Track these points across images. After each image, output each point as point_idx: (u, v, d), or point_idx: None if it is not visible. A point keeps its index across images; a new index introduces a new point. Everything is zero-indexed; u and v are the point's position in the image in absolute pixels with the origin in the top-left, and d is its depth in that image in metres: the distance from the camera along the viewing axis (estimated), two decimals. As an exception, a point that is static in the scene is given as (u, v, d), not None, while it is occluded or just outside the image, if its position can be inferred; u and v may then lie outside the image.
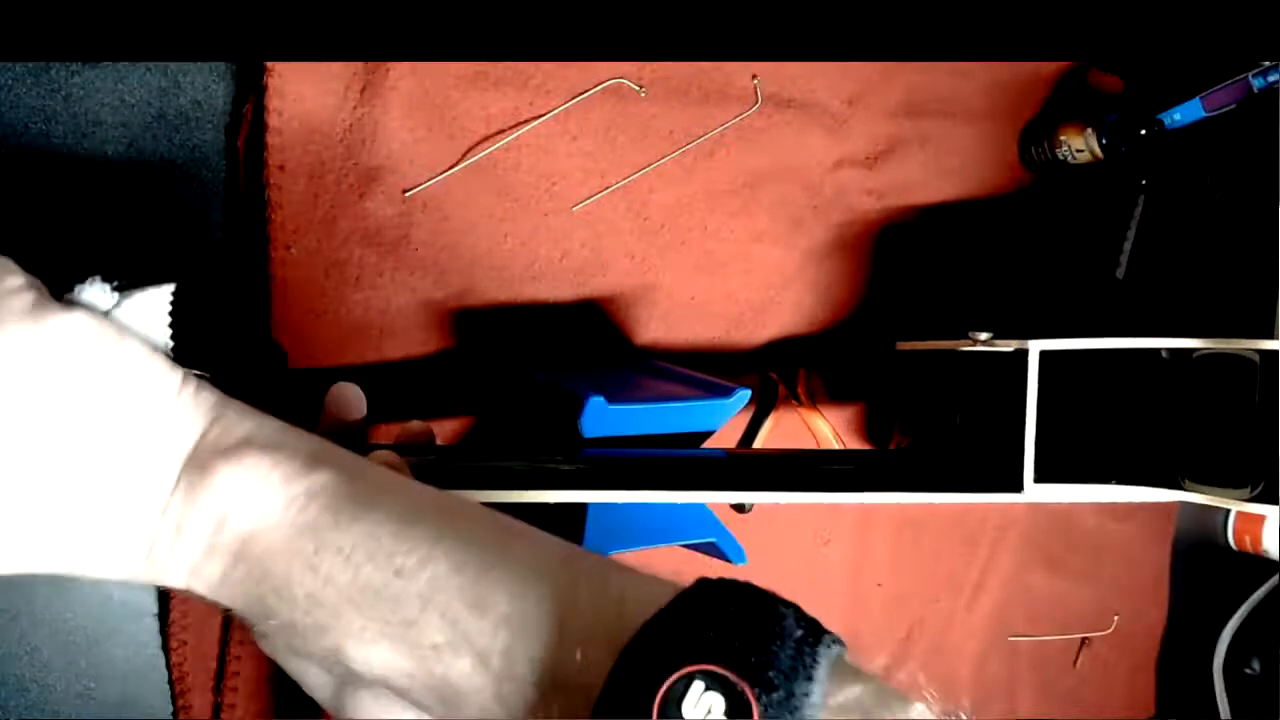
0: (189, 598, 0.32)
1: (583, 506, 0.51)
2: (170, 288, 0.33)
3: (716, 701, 0.24)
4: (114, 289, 0.32)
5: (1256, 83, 0.63)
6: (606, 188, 0.60)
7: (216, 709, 0.54)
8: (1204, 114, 0.66)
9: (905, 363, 0.66)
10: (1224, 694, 0.88)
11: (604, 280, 0.61)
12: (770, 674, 0.24)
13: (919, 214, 0.71)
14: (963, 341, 0.60)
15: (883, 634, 0.76)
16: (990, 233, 0.73)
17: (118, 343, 0.31)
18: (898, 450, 0.66)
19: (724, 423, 0.55)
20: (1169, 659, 0.90)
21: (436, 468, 0.43)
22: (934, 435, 0.63)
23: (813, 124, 0.65)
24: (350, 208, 0.54)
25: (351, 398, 0.42)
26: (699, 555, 0.59)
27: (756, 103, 0.63)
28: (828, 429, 0.70)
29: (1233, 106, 0.65)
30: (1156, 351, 0.56)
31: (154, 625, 0.53)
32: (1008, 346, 0.57)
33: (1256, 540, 0.88)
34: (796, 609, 0.27)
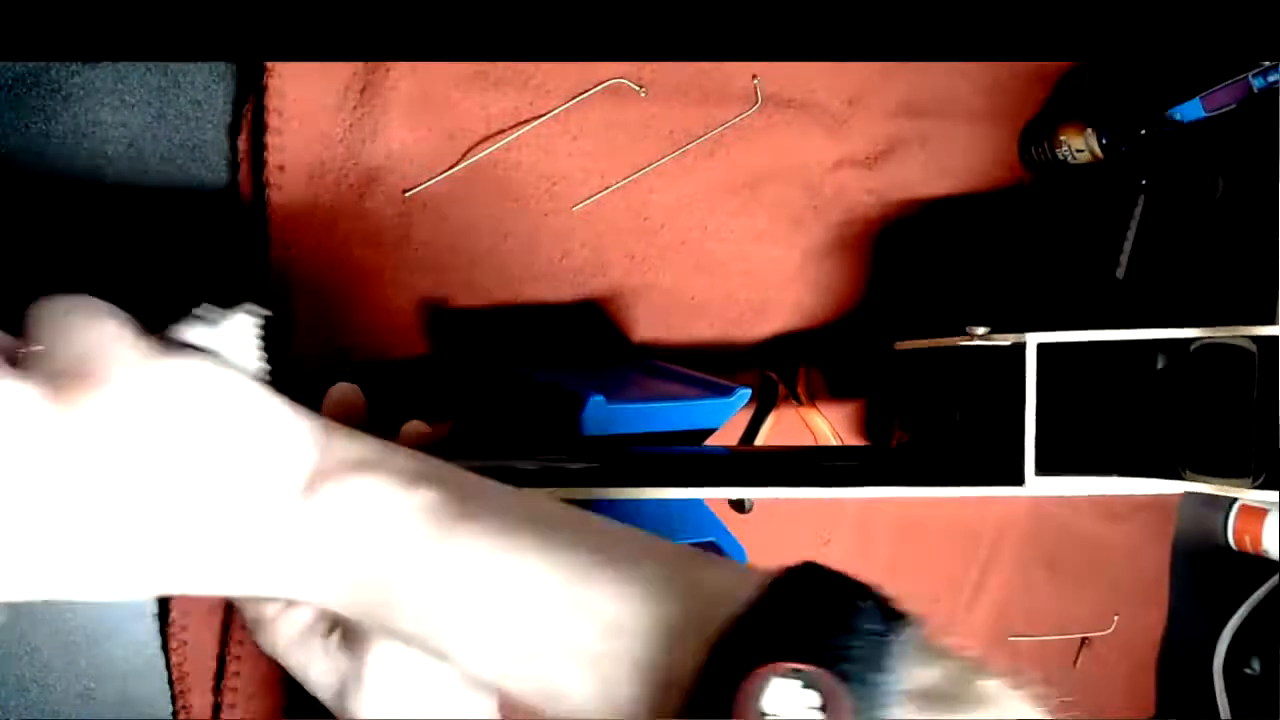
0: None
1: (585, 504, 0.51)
2: (260, 314, 0.33)
3: (803, 696, 0.24)
4: (205, 318, 0.33)
5: (1256, 83, 0.63)
6: (606, 188, 0.60)
7: (216, 709, 0.54)
8: (1204, 114, 0.66)
9: (904, 361, 0.66)
10: (1224, 694, 0.88)
11: (604, 280, 0.61)
12: (850, 665, 0.25)
13: (919, 214, 0.71)
14: (960, 337, 0.60)
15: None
16: (990, 233, 0.73)
17: (233, 383, 0.32)
18: (898, 446, 0.66)
19: (724, 422, 0.55)
20: (1169, 659, 0.90)
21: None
22: (934, 431, 0.63)
23: (813, 124, 0.65)
24: (350, 208, 0.54)
25: (351, 398, 0.42)
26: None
27: (756, 103, 0.63)
28: (827, 427, 0.70)
29: (1233, 106, 0.65)
30: (1154, 343, 0.56)
31: (154, 625, 0.53)
32: (1005, 340, 0.57)
33: (1256, 540, 0.88)
34: (877, 596, 0.28)
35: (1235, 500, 0.89)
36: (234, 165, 0.53)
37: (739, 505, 0.67)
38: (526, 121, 0.57)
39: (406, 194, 0.55)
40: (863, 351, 0.70)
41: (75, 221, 0.50)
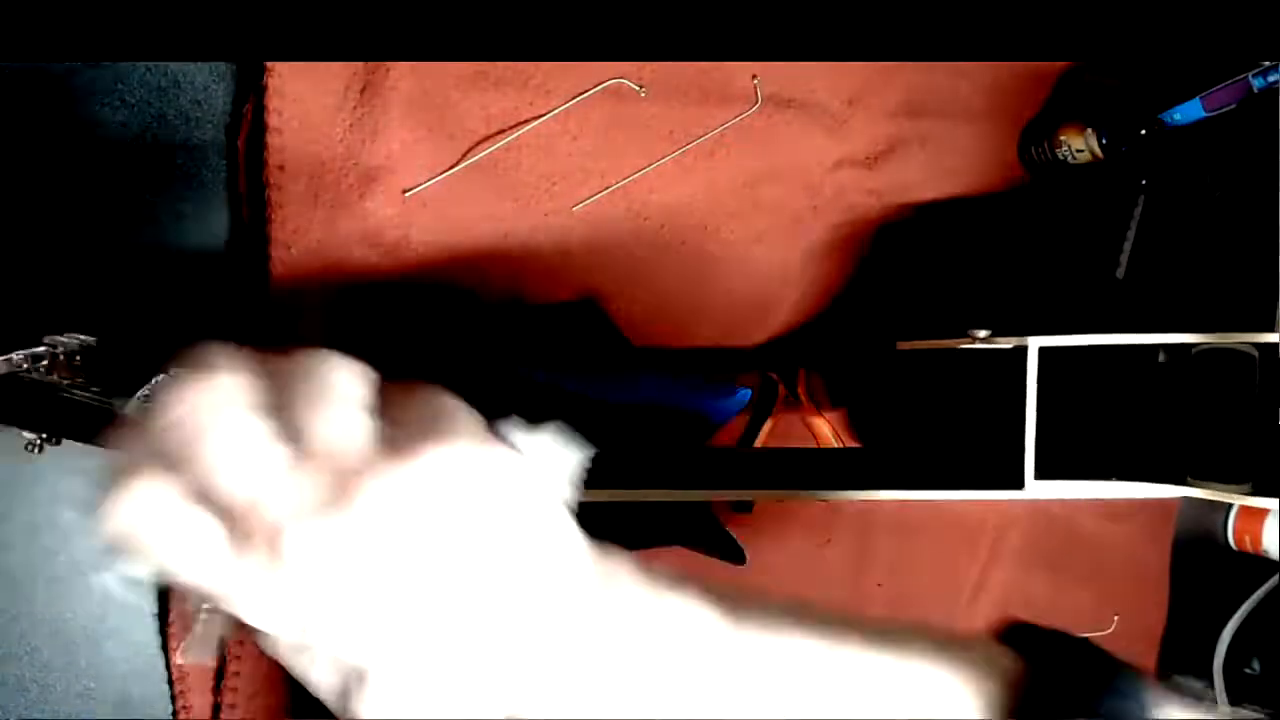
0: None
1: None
2: (579, 454, 0.33)
3: None
4: (527, 432, 0.33)
5: (1256, 83, 0.63)
6: (606, 188, 0.60)
7: (216, 709, 0.54)
8: (1204, 114, 0.66)
9: (905, 362, 0.66)
10: (1224, 694, 0.88)
11: (604, 280, 0.61)
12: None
13: (919, 214, 0.71)
14: (962, 340, 0.60)
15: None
16: (990, 233, 0.73)
17: (543, 495, 0.32)
18: (899, 449, 0.66)
19: (724, 423, 0.55)
20: (1169, 659, 0.90)
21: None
22: (935, 434, 0.63)
23: (813, 124, 0.65)
24: (350, 208, 0.54)
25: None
26: (700, 555, 0.59)
27: (756, 103, 0.63)
28: (827, 429, 0.70)
29: (1233, 106, 0.65)
30: (1155, 348, 0.56)
31: (154, 625, 0.53)
32: (1007, 344, 0.57)
33: (1256, 540, 0.88)
34: (1101, 650, 0.34)
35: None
36: (234, 165, 0.53)
37: (740, 506, 0.67)
38: (526, 121, 0.57)
39: (406, 194, 0.55)
40: (863, 353, 0.70)
41: (75, 222, 0.50)
